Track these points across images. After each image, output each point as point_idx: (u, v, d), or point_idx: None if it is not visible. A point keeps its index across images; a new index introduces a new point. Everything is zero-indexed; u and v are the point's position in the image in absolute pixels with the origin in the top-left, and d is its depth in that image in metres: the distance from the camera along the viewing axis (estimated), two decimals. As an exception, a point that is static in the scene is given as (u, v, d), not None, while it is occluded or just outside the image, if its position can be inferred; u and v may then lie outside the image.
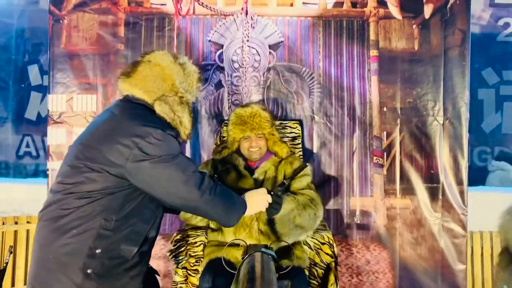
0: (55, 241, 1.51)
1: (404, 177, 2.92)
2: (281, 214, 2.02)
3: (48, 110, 2.94)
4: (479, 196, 3.20)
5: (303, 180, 2.21)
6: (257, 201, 1.85)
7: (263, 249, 1.40)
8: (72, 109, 2.93)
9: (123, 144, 1.50)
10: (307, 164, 2.26)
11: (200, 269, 2.10)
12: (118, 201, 1.54)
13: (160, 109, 1.63)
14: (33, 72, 4.50)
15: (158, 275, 1.83)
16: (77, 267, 1.48)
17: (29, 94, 4.50)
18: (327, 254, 2.17)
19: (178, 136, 1.66)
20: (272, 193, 1.96)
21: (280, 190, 2.02)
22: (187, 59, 1.76)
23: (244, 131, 2.21)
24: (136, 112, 1.61)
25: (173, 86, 1.65)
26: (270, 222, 2.07)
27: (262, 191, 1.91)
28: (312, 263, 2.17)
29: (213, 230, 2.19)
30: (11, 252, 2.46)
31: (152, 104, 1.63)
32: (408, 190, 2.92)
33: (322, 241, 2.19)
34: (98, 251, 1.50)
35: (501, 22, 4.23)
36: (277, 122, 2.65)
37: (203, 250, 2.16)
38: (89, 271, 1.48)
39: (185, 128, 1.68)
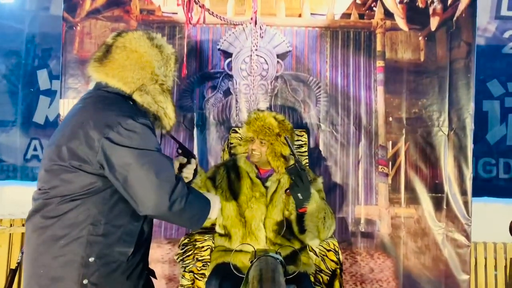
0: (44, 255, 1.40)
1: (408, 186, 2.94)
2: (313, 207, 2.05)
3: (59, 115, 2.99)
4: (482, 206, 3.23)
5: (319, 194, 2.24)
6: (215, 205, 1.66)
7: (271, 254, 1.44)
8: (82, 114, 2.97)
9: (91, 137, 1.37)
10: (319, 176, 2.30)
11: (207, 273, 2.13)
12: (103, 202, 1.42)
13: (142, 100, 1.50)
14: (42, 77, 4.55)
15: (155, 277, 1.66)
16: (72, 280, 1.38)
17: (37, 98, 4.54)
18: (332, 260, 2.20)
19: (158, 123, 1.54)
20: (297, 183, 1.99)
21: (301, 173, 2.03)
22: (163, 40, 1.60)
23: (248, 130, 2.26)
24: (106, 101, 1.47)
25: (153, 73, 1.52)
26: (298, 216, 2.10)
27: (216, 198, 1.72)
28: (318, 269, 2.20)
29: (220, 235, 2.23)
30: (22, 253, 2.49)
31: (130, 94, 1.49)
32: (412, 199, 2.94)
33: (328, 247, 2.22)
34: (91, 259, 1.39)
35: (506, 35, 4.25)
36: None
37: (210, 255, 2.20)
38: (85, 281, 1.38)
39: (169, 119, 1.55)
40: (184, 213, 1.43)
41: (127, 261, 1.45)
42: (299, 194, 2.01)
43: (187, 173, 1.77)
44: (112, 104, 1.45)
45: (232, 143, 2.65)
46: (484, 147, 4.14)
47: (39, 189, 1.46)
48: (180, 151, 1.77)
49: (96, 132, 1.37)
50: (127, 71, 1.49)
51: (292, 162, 2.22)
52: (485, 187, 4.08)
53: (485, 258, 3.22)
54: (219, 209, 1.66)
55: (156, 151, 1.41)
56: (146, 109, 1.50)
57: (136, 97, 1.49)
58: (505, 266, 3.21)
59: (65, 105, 2.99)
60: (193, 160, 1.76)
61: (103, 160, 1.37)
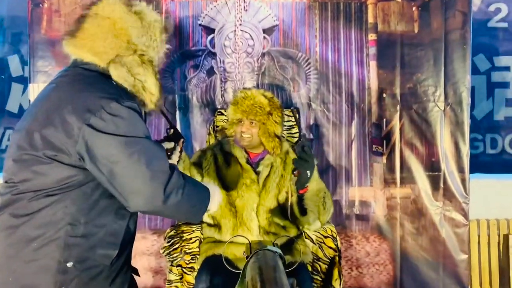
0: (13, 259, 1.23)
1: (404, 165, 2.82)
2: (314, 186, 1.93)
3: (29, 101, 2.78)
4: (475, 183, 3.15)
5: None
6: (214, 196, 1.48)
7: (269, 247, 1.28)
8: (54, 99, 2.77)
9: (70, 124, 1.20)
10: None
11: (196, 266, 1.98)
12: (83, 198, 1.24)
13: (117, 73, 1.31)
14: (14, 63, 4.27)
15: (138, 275, 1.51)
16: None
17: (10, 86, 4.29)
18: (331, 247, 2.07)
19: (143, 106, 1.35)
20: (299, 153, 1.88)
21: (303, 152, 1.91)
22: (146, 6, 1.41)
23: (236, 112, 2.08)
24: (85, 80, 1.29)
25: (130, 42, 1.32)
26: (299, 197, 1.98)
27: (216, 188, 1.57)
28: (315, 257, 2.07)
29: (209, 225, 2.07)
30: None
31: (107, 69, 1.31)
32: (408, 179, 2.82)
33: (325, 234, 2.09)
34: (69, 264, 1.22)
35: (492, 8, 4.13)
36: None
37: (199, 247, 2.04)
38: None
39: (150, 94, 1.35)
40: (181, 207, 1.28)
41: (111, 264, 1.28)
42: (308, 172, 1.88)
43: (174, 159, 1.61)
44: (92, 84, 1.27)
45: (217, 126, 2.48)
46: (471, 123, 4.08)
47: (6, 182, 1.28)
48: (170, 132, 1.59)
49: (75, 117, 1.20)
50: (98, 40, 1.30)
51: (286, 144, 2.08)
52: (473, 163, 4.05)
53: (479, 236, 3.18)
54: (219, 201, 1.49)
55: (145, 138, 1.25)
56: (121, 85, 1.31)
57: (111, 70, 1.31)
58: (498, 243, 3.18)
59: (35, 90, 2.77)
60: (177, 146, 1.61)
61: (84, 150, 1.20)
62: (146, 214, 1.31)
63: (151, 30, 1.37)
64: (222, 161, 2.09)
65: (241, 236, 1.68)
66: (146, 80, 1.33)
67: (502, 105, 3.92)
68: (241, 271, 1.30)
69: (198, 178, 2.00)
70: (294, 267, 1.43)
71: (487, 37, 4.06)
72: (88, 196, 1.25)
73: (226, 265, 1.45)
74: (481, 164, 4.06)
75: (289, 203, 1.98)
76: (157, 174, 1.21)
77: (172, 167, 1.27)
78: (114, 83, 1.31)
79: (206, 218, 2.08)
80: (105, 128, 1.19)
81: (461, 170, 2.82)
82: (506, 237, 3.16)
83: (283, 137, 2.22)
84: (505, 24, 3.80)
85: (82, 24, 1.33)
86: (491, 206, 3.23)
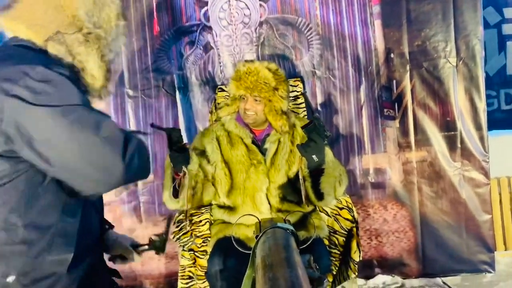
0: None
1: (418, 127, 2.70)
2: (330, 167, 1.80)
3: None
4: (491, 141, 3.03)
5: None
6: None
7: (279, 224, 1.18)
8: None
9: None
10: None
11: (208, 249, 1.90)
12: (16, 196, 1.03)
13: (55, 51, 1.10)
14: None
15: (120, 277, 1.35)
16: None
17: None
18: (347, 219, 1.97)
19: (86, 92, 1.14)
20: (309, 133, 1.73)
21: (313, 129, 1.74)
22: None
23: (238, 88, 1.93)
24: (10, 53, 1.08)
25: (75, 18, 1.12)
26: (313, 181, 1.85)
27: None
28: (331, 231, 1.97)
29: (219, 206, 1.98)
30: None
31: (44, 47, 1.10)
32: (423, 141, 2.70)
33: (340, 206, 1.98)
34: (10, 278, 1.02)
35: (500, -45, 3.90)
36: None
37: (209, 229, 1.96)
38: None
39: (92, 76, 1.14)
40: (141, 169, 1.11)
41: (69, 272, 1.08)
42: (313, 156, 1.73)
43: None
44: (15, 56, 1.06)
45: (219, 104, 2.37)
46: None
47: None
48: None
49: None
50: (36, 12, 1.10)
51: (292, 116, 1.95)
52: (488, 120, 3.95)
53: (500, 194, 3.06)
54: None
55: (83, 105, 1.03)
56: (59, 60, 1.10)
57: (49, 48, 1.10)
58: (521, 200, 3.08)
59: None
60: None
61: (12, 129, 0.98)
62: (107, 192, 1.13)
63: (105, 11, 1.16)
64: (226, 142, 1.98)
65: (251, 215, 1.58)
66: (88, 60, 1.12)
67: (516, 59, 3.76)
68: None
69: (204, 162, 1.91)
70: (308, 243, 1.33)
71: (496, -12, 3.85)
72: (21, 194, 1.02)
73: (237, 247, 1.35)
74: (497, 120, 3.92)
75: (303, 190, 1.85)
76: (108, 139, 1.01)
77: (123, 130, 1.06)
78: (43, 56, 1.09)
79: (214, 200, 1.99)
80: (32, 97, 0.97)
81: (478, 127, 2.69)
82: (529, 193, 3.07)
83: (291, 111, 2.10)
84: (514, -28, 3.60)
85: None
86: (511, 163, 3.10)
